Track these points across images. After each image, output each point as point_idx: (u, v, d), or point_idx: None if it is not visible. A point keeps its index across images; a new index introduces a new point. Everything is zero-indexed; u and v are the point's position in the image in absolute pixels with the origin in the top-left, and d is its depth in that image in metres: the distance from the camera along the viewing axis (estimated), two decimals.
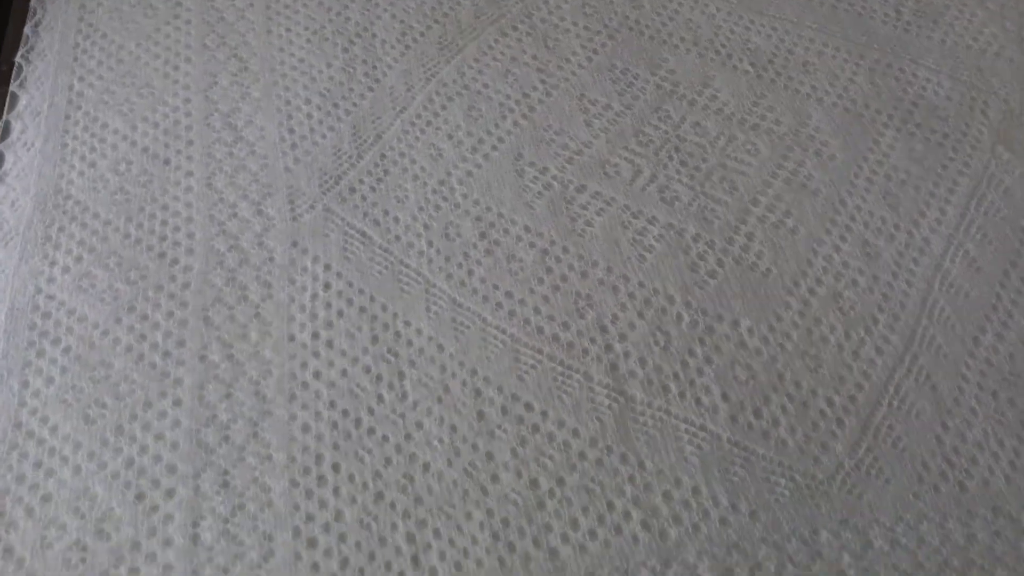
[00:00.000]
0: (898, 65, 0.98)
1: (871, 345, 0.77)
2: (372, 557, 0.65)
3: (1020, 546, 0.67)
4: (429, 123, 0.91)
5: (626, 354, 0.76)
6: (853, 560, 0.66)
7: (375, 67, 0.96)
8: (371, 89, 0.94)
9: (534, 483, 0.69)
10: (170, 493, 0.67)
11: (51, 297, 0.76)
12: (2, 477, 0.66)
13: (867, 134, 0.92)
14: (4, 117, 0.89)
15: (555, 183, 0.87)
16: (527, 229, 0.84)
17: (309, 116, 0.91)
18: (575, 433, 0.71)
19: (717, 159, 0.90)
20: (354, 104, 0.92)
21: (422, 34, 0.99)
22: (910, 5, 1.05)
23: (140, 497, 0.66)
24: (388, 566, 0.64)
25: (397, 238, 0.82)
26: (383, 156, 0.88)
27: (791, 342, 0.77)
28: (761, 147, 0.91)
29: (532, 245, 0.83)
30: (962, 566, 0.66)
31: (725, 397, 0.74)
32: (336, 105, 0.92)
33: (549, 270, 0.81)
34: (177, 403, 0.71)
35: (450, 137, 0.90)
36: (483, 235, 0.83)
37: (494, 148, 0.90)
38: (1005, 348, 0.77)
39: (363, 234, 0.82)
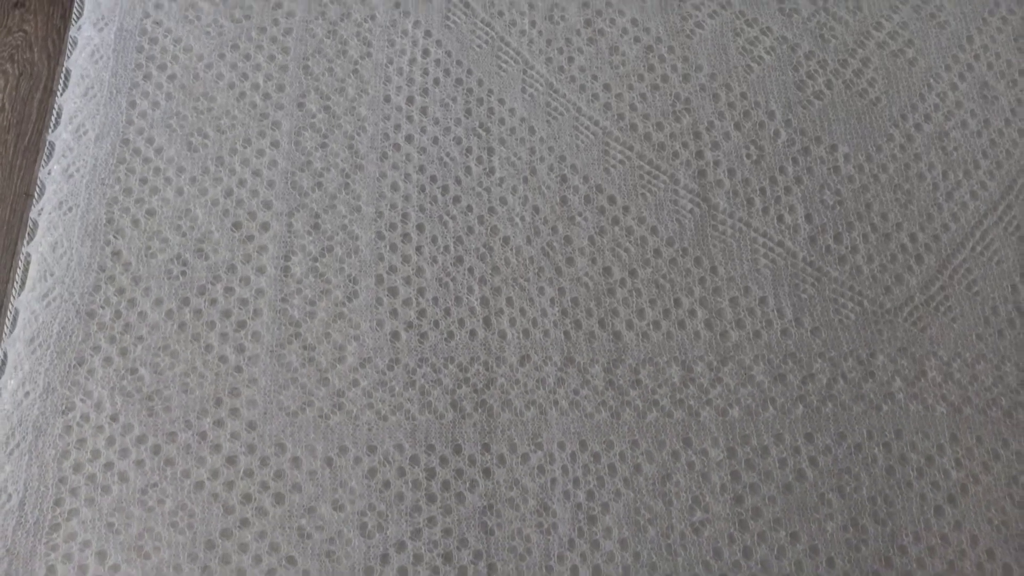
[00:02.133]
0: None
1: (967, 188, 0.75)
2: (448, 313, 0.68)
3: None
4: None
5: (716, 163, 0.75)
6: (904, 385, 0.68)
7: None
8: None
9: (607, 271, 0.71)
10: (265, 226, 0.70)
11: (158, 23, 0.76)
12: (111, 187, 0.70)
13: None
14: None
15: None
16: (634, 22, 0.81)
17: None
18: (653, 230, 0.73)
19: None
20: None
21: None
22: None
23: (237, 226, 0.70)
24: (461, 323, 0.68)
25: (500, 13, 0.80)
26: None
27: (886, 174, 0.76)
28: None
29: (637, 40, 0.80)
30: (1009, 406, 0.68)
31: (808, 218, 0.74)
32: None
33: (651, 68, 0.79)
34: (275, 144, 0.73)
35: None
36: (588, 22, 0.80)
37: None
38: None
39: (466, 3, 0.80)
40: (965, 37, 0.82)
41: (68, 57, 0.75)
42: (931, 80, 0.80)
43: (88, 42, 0.75)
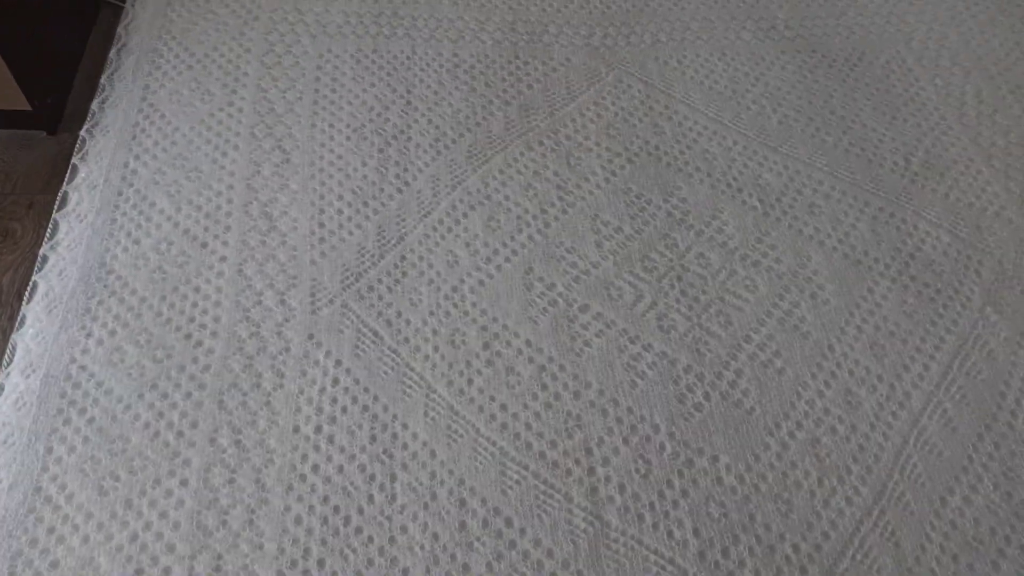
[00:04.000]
0: (900, 215, 1.03)
1: (842, 495, 0.81)
2: None
3: None
4: (450, 229, 0.98)
5: (607, 479, 0.80)
6: None
7: (407, 169, 1.03)
8: (400, 191, 1.01)
9: None
10: (166, 571, 0.72)
11: (83, 368, 0.82)
12: (17, 539, 0.72)
13: (862, 281, 0.96)
14: (64, 188, 0.97)
15: (560, 300, 0.93)
16: (528, 343, 0.89)
17: (340, 212, 0.98)
18: (549, 553, 0.76)
19: (716, 292, 0.95)
20: (383, 204, 0.99)
21: (454, 141, 1.06)
22: (920, 156, 1.10)
23: (139, 572, 0.71)
24: None
25: (406, 340, 0.88)
26: (403, 258, 0.95)
27: (766, 483, 0.81)
28: (760, 284, 0.96)
29: (531, 360, 0.88)
30: None
31: (696, 532, 0.78)
32: (366, 203, 0.99)
33: (544, 387, 0.86)
34: (184, 483, 0.76)
35: (468, 245, 0.96)
36: (486, 345, 0.88)
37: (507, 260, 0.95)
38: (971, 511, 0.80)
39: (375, 333, 0.88)
40: (826, 346, 0.91)
41: None
42: (799, 388, 0.88)
43: (14, 389, 0.80)
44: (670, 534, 0.77)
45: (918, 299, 0.95)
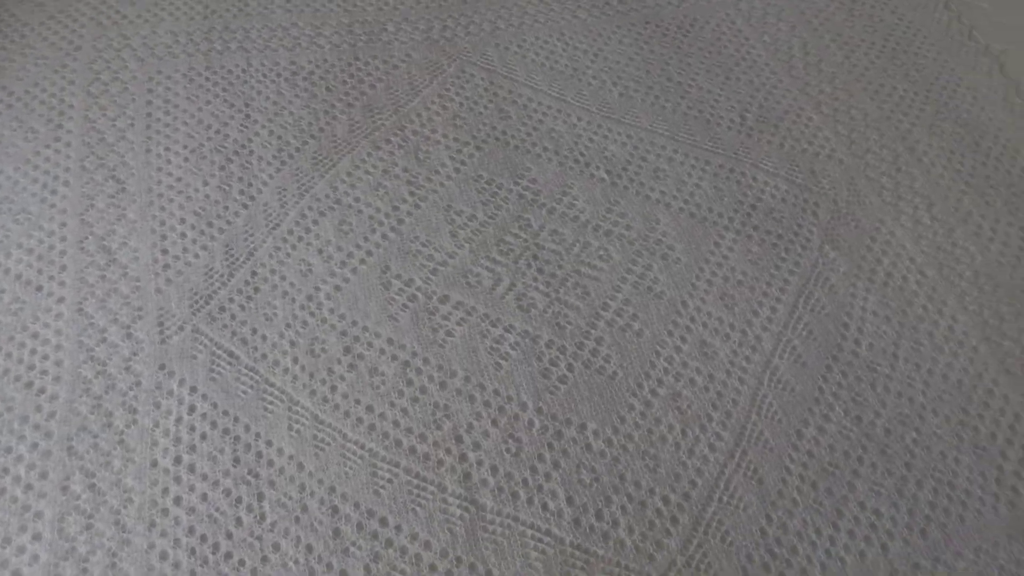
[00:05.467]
0: (740, 169, 1.08)
1: (705, 442, 0.84)
2: None
3: None
4: (300, 239, 0.96)
5: (479, 463, 0.81)
6: None
7: (251, 184, 1.01)
8: (245, 206, 0.99)
9: None
10: None
11: None
12: None
13: (709, 237, 1.00)
14: None
15: (419, 294, 0.93)
16: (390, 342, 0.89)
17: (183, 236, 0.95)
18: (427, 545, 0.76)
19: (572, 266, 0.96)
20: (228, 222, 0.97)
21: (298, 149, 1.05)
22: (754, 111, 1.15)
23: None
24: None
25: (264, 356, 0.86)
26: (254, 274, 0.93)
27: (632, 443, 0.83)
28: (613, 252, 0.98)
29: (394, 358, 0.88)
30: None
31: (570, 501, 0.79)
32: (210, 224, 0.97)
33: (410, 382, 0.86)
34: (37, 537, 0.73)
35: (320, 252, 0.95)
36: (347, 350, 0.88)
37: (362, 262, 0.95)
38: (825, 440, 0.85)
39: (230, 354, 0.86)
40: (680, 303, 0.94)
41: None
42: (657, 347, 0.90)
43: None
44: (544, 507, 0.79)
45: (762, 247, 1.00)
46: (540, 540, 0.77)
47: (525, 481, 0.80)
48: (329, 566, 0.74)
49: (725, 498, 0.80)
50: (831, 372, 0.90)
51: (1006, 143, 1.12)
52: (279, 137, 1.06)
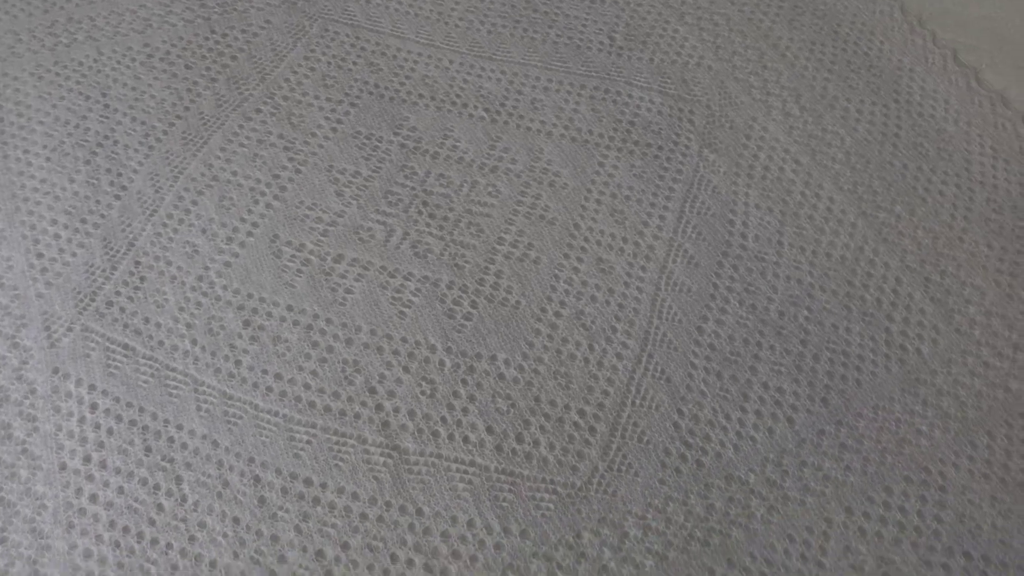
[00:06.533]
0: (615, 89, 1.09)
1: (612, 353, 0.86)
2: None
3: (750, 504, 0.77)
4: (181, 221, 0.94)
5: (396, 410, 0.82)
6: (612, 553, 0.74)
7: (120, 174, 0.97)
8: (118, 197, 0.95)
9: (320, 554, 0.73)
10: None
11: None
12: None
13: (592, 159, 1.02)
14: None
15: (312, 257, 0.92)
16: (290, 308, 0.88)
17: (57, 237, 0.91)
18: (355, 496, 0.76)
19: (463, 206, 0.97)
20: (102, 216, 0.94)
21: (165, 132, 1.02)
22: (622, 30, 1.16)
23: None
24: None
25: (160, 343, 0.85)
26: (137, 263, 0.90)
27: (543, 365, 0.85)
28: (501, 187, 0.99)
29: (296, 323, 0.87)
30: (704, 535, 0.75)
31: (490, 430, 0.81)
32: (84, 220, 0.93)
33: (315, 344, 0.85)
34: None
35: (204, 231, 0.93)
36: (247, 323, 0.86)
37: (249, 234, 0.93)
38: (724, 331, 0.88)
39: (125, 346, 0.84)
40: (572, 226, 0.96)
41: None
42: (556, 271, 0.92)
43: None
44: (466, 440, 0.80)
45: (644, 160, 1.02)
46: (465, 472, 0.78)
47: (444, 419, 0.81)
48: (259, 533, 0.74)
49: (637, 401, 0.83)
50: (723, 268, 0.93)
51: (862, 27, 1.17)
52: (143, 123, 1.02)
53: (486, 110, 1.06)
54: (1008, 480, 0.79)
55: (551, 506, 0.77)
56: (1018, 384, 0.85)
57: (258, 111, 1.05)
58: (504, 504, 0.76)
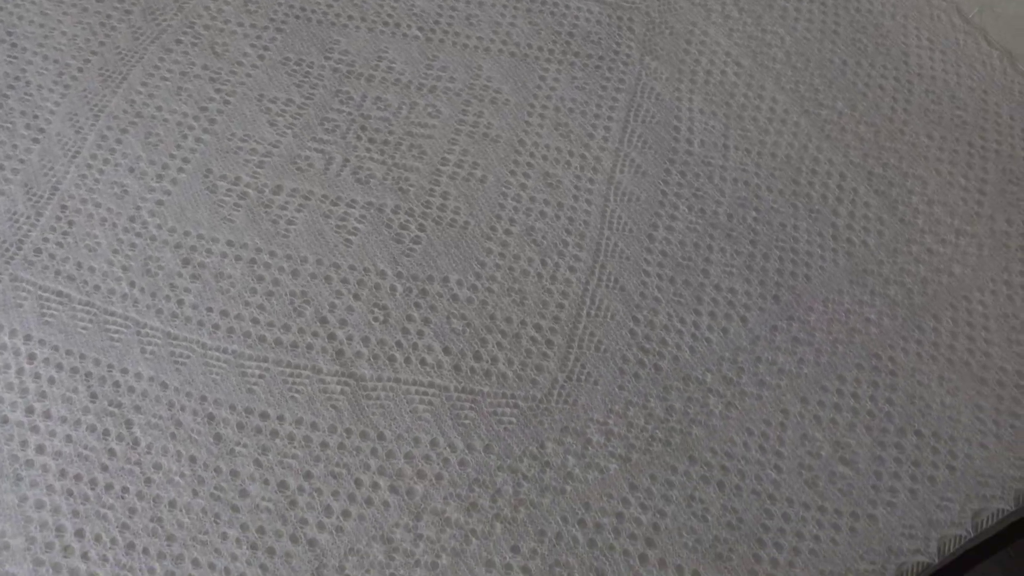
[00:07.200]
0: (552, 1, 1.06)
1: (565, 266, 0.85)
2: None
3: (708, 402, 0.78)
4: (107, 161, 0.89)
5: (349, 338, 0.80)
6: (576, 460, 0.75)
7: (36, 116, 0.92)
8: (36, 140, 0.90)
9: (282, 485, 0.72)
10: None
11: None
12: None
13: (533, 73, 0.99)
14: None
15: (250, 191, 0.88)
16: (230, 243, 0.85)
17: None
18: (314, 426, 0.75)
19: (403, 129, 0.94)
20: (21, 161, 0.88)
21: (80, 70, 0.96)
22: None
23: None
24: None
25: (96, 288, 0.81)
26: (64, 208, 0.86)
27: (497, 283, 0.84)
28: (441, 108, 0.96)
29: (239, 258, 0.84)
30: (665, 435, 0.76)
31: (447, 351, 0.80)
32: (1, 167, 0.88)
33: (260, 278, 0.83)
34: None
35: (132, 170, 0.89)
36: (186, 261, 0.83)
37: (180, 170, 0.89)
38: (675, 237, 0.88)
39: (59, 293, 0.80)
40: (517, 142, 0.94)
41: None
42: (503, 188, 0.90)
43: None
44: (423, 362, 0.79)
45: (585, 71, 1.00)
46: (425, 393, 0.77)
47: (399, 343, 0.80)
48: (218, 470, 0.72)
49: (593, 312, 0.83)
50: (670, 175, 0.92)
51: None
52: (56, 61, 0.96)
53: (420, 29, 1.03)
54: (954, 360, 0.81)
55: (513, 420, 0.76)
56: (961, 268, 0.87)
57: (178, 42, 0.99)
58: (466, 422, 0.76)
